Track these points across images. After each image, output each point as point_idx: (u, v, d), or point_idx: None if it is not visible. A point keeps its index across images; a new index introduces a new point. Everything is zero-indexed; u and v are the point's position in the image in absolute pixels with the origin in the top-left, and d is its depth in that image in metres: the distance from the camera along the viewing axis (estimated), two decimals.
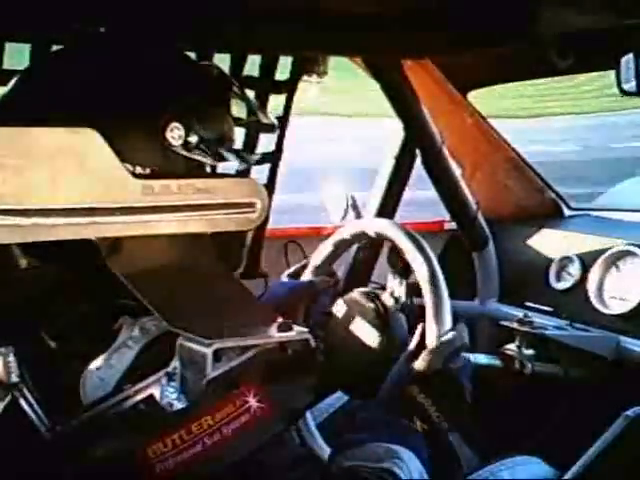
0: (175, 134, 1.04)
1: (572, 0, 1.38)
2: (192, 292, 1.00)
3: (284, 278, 1.63)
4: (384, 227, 1.50)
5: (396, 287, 1.40)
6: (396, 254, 1.41)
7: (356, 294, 1.42)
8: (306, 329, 0.99)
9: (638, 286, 1.87)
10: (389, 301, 1.37)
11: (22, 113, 1.05)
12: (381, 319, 1.33)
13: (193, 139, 1.05)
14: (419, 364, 1.20)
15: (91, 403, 0.95)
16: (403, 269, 1.40)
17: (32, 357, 0.99)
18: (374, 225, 1.59)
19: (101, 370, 0.97)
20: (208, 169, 1.10)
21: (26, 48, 1.34)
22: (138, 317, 1.01)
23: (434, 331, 1.26)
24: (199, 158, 1.07)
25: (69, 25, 1.29)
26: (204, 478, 0.90)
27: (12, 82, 1.10)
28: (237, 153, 1.15)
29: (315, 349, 0.98)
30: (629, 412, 1.65)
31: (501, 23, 1.52)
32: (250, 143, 1.23)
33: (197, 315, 0.96)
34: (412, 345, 1.26)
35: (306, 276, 1.62)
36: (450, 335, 1.24)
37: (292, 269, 1.64)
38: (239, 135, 1.18)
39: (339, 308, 1.43)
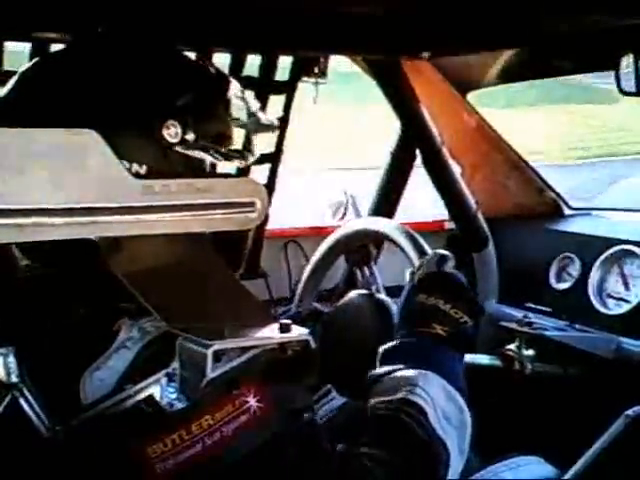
0: (171, 132, 1.04)
1: (572, 0, 1.38)
2: (192, 292, 1.00)
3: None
4: (384, 227, 1.50)
5: (366, 281, 1.42)
6: (356, 250, 1.43)
7: (354, 295, 1.42)
8: (306, 330, 0.99)
9: (638, 286, 1.87)
10: (388, 300, 1.37)
11: (20, 113, 1.05)
12: (380, 319, 1.33)
13: (190, 137, 1.05)
14: (417, 276, 1.19)
15: (91, 403, 0.95)
16: (366, 262, 1.42)
17: (32, 357, 0.99)
18: (374, 225, 1.59)
19: (101, 371, 0.97)
20: (207, 168, 1.11)
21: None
22: (137, 318, 1.01)
23: (418, 254, 1.34)
24: (197, 156, 1.07)
25: (68, 25, 1.29)
26: (204, 478, 0.90)
27: (10, 82, 1.10)
28: (236, 152, 1.16)
29: (315, 349, 0.98)
30: (629, 412, 1.65)
31: (501, 24, 1.52)
32: (249, 143, 1.23)
33: (196, 316, 0.96)
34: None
35: (302, 282, 1.62)
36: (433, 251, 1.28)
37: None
38: (239, 135, 1.18)
39: (338, 309, 1.43)
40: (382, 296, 1.39)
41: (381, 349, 1.12)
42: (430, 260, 1.21)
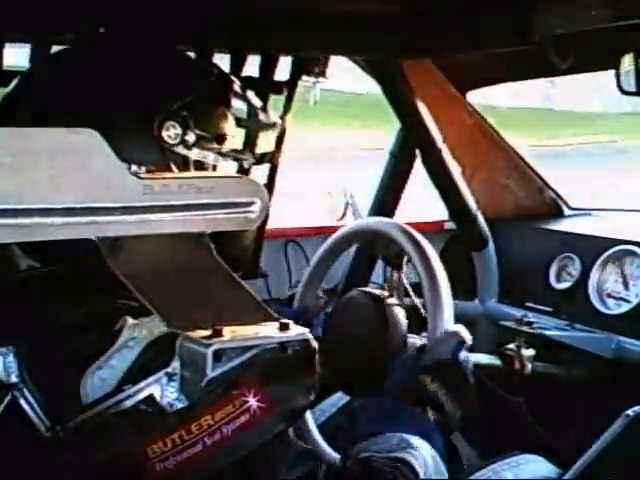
0: (171, 132, 1.04)
1: (572, 0, 1.38)
2: (192, 292, 1.00)
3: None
4: (384, 226, 1.50)
5: (393, 284, 1.41)
6: (391, 252, 1.41)
7: (356, 293, 1.42)
8: (306, 329, 0.99)
9: (638, 286, 1.88)
10: (389, 300, 1.37)
11: (21, 113, 1.05)
12: (381, 318, 1.33)
13: (190, 137, 1.06)
14: (428, 354, 1.21)
15: (91, 403, 0.95)
16: (398, 266, 1.41)
17: (32, 357, 0.99)
18: (374, 224, 1.59)
19: (102, 370, 0.97)
20: (209, 168, 1.11)
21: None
22: (139, 318, 1.01)
23: (438, 326, 1.26)
24: (197, 157, 1.07)
25: (69, 25, 1.29)
26: (204, 478, 0.90)
27: (12, 83, 1.10)
28: (236, 152, 1.16)
29: (315, 349, 0.98)
30: (629, 412, 1.65)
31: (501, 23, 1.52)
32: (250, 143, 1.23)
33: (197, 315, 0.96)
34: (419, 340, 1.27)
35: (303, 281, 1.61)
36: (455, 328, 1.25)
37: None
38: (239, 135, 1.18)
39: (339, 307, 1.43)
40: (384, 296, 1.39)
41: (377, 405, 1.15)
42: (447, 343, 1.22)
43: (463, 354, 1.21)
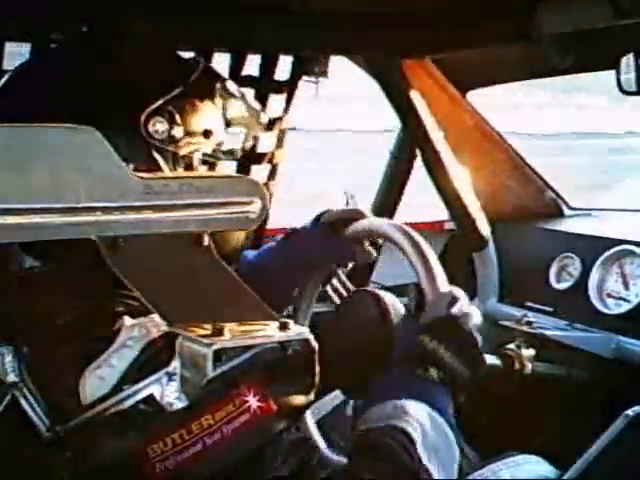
0: (158, 128, 1.04)
1: (572, 0, 1.38)
2: (192, 292, 1.00)
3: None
4: (385, 227, 1.50)
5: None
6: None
7: (357, 294, 1.42)
8: (306, 329, 0.99)
9: (638, 286, 1.88)
10: (391, 300, 1.36)
11: (9, 112, 1.05)
12: (382, 318, 1.33)
13: (177, 133, 1.06)
14: (424, 315, 1.16)
15: (91, 403, 0.95)
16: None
17: (32, 357, 0.99)
18: (375, 225, 1.58)
19: (101, 370, 0.97)
20: (202, 165, 1.11)
21: None
22: (138, 317, 1.01)
23: (431, 288, 1.21)
24: (186, 153, 1.07)
25: (61, 24, 1.29)
26: (204, 477, 0.90)
27: (2, 81, 1.10)
28: (227, 150, 1.15)
29: (315, 349, 0.98)
30: (629, 412, 1.65)
31: (501, 22, 1.52)
32: (248, 142, 1.23)
33: (197, 315, 0.96)
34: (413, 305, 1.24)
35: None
36: (449, 289, 1.20)
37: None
38: (239, 134, 1.18)
39: (340, 308, 1.43)
40: (385, 293, 1.39)
41: (374, 385, 1.12)
42: (439, 301, 1.17)
43: (457, 308, 1.15)
